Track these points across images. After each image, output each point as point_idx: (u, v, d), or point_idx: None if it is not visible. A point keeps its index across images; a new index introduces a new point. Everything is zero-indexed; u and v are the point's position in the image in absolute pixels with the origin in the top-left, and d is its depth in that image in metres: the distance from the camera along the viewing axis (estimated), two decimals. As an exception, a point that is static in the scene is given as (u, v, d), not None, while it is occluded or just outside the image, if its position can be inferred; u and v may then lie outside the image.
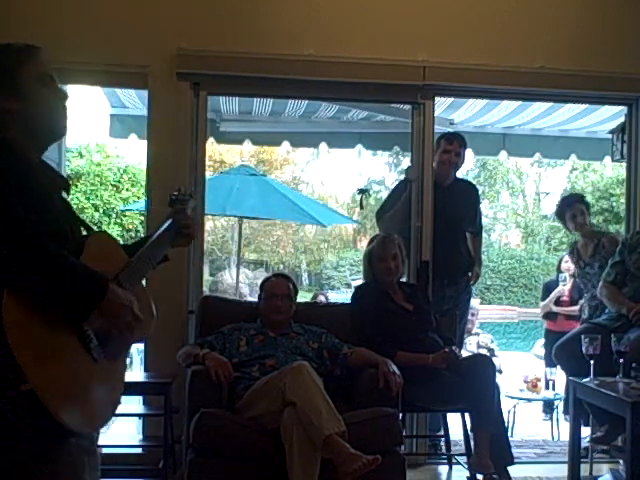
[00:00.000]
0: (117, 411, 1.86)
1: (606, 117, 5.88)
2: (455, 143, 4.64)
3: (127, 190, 15.66)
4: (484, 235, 5.23)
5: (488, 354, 5.97)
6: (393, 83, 4.44)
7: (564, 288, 6.30)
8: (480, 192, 5.51)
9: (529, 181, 21.50)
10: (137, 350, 5.49)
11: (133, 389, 3.83)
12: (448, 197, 4.63)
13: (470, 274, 4.83)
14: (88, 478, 1.75)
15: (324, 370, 3.63)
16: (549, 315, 6.40)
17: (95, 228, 2.04)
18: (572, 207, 5.02)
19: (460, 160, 4.73)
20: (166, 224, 2.16)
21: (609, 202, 17.84)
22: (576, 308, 6.18)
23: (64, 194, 1.94)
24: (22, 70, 1.82)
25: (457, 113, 6.09)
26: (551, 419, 5.68)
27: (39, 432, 1.59)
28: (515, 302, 18.35)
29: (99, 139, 15.74)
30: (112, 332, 1.74)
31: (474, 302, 7.54)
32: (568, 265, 6.41)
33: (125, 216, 15.53)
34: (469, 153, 5.64)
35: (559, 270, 6.52)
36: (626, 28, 4.63)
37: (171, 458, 3.95)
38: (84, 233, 1.92)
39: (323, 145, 6.96)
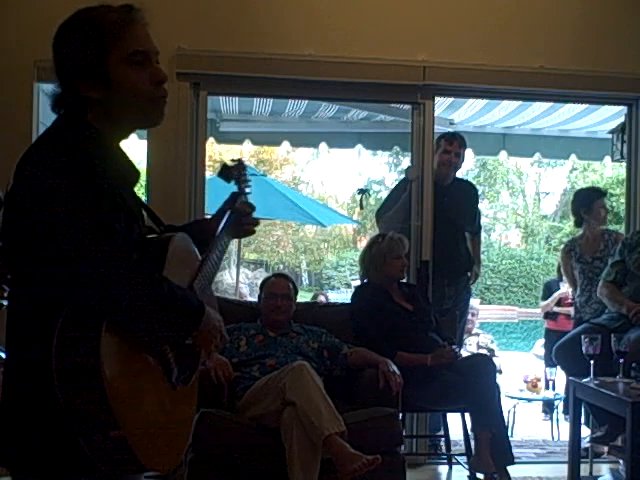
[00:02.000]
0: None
1: (606, 117, 5.88)
2: (455, 143, 4.64)
3: (127, 190, 15.67)
4: (484, 235, 5.24)
5: (488, 354, 5.97)
6: (393, 83, 4.45)
7: (569, 290, 6.28)
8: (480, 192, 5.52)
9: (529, 181, 21.48)
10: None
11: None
12: (448, 197, 4.63)
13: (470, 274, 4.83)
14: None
15: (324, 370, 3.63)
16: (550, 314, 6.40)
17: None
18: (600, 199, 4.96)
19: (460, 160, 4.73)
20: (225, 218, 1.95)
21: (609, 202, 17.81)
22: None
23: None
24: (111, 49, 1.57)
25: (457, 113, 6.09)
26: (551, 419, 5.69)
27: (114, 473, 1.46)
28: (515, 302, 18.35)
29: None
30: (195, 353, 1.64)
31: (474, 302, 7.56)
32: (568, 266, 6.40)
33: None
34: (469, 153, 5.64)
35: (559, 271, 6.49)
36: (626, 28, 4.63)
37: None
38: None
39: (323, 145, 6.96)
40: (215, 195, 7.29)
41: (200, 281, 1.72)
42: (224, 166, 2.09)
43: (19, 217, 1.45)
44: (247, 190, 2.10)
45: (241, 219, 1.98)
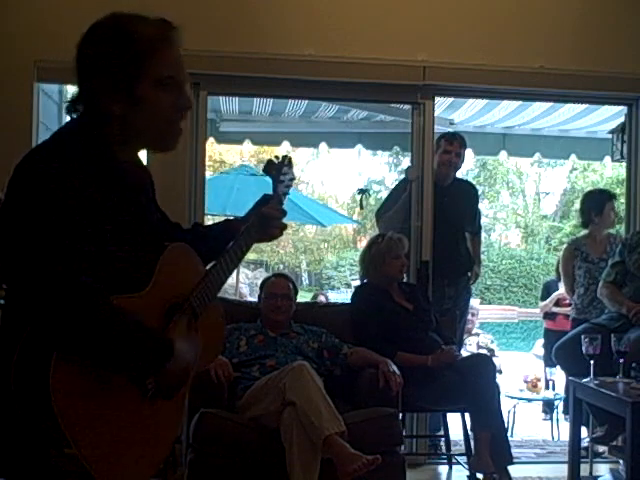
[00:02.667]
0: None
1: (606, 117, 5.88)
2: (455, 143, 4.64)
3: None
4: (484, 235, 5.25)
5: (488, 354, 5.97)
6: (393, 83, 4.45)
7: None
8: (480, 192, 5.52)
9: (529, 181, 21.48)
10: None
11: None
12: (448, 197, 4.63)
13: (470, 274, 4.84)
14: None
15: (324, 370, 3.63)
16: (549, 314, 6.41)
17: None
18: (612, 202, 4.96)
19: (460, 160, 4.73)
20: (250, 220, 1.91)
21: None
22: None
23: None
24: (144, 68, 1.51)
25: (457, 113, 6.09)
26: (551, 419, 5.68)
27: None
28: (515, 302, 18.35)
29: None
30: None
31: (474, 302, 7.56)
32: (567, 266, 6.40)
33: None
34: (469, 153, 5.64)
35: (558, 271, 6.49)
36: (626, 28, 4.63)
37: (171, 458, 3.94)
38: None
39: (323, 145, 6.96)
40: (215, 195, 7.32)
41: (201, 293, 1.69)
42: (268, 162, 2.02)
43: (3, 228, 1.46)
44: (284, 191, 2.02)
45: (269, 222, 1.91)
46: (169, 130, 1.60)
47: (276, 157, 2.03)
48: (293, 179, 2.05)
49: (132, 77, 1.51)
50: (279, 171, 1.99)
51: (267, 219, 1.90)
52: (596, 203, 4.97)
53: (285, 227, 1.96)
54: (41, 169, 1.44)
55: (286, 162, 2.02)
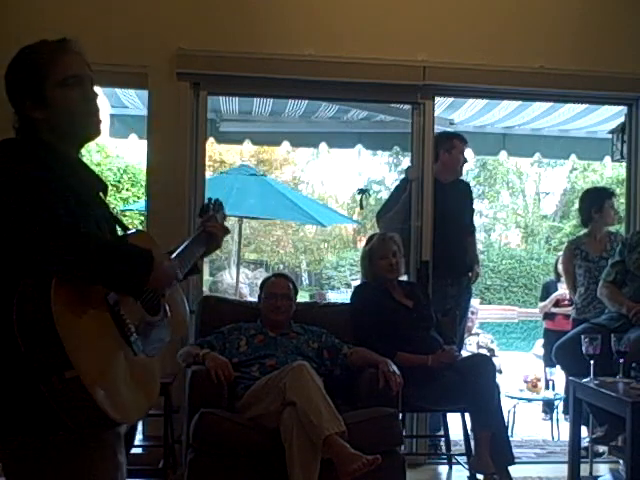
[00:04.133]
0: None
1: (606, 117, 5.88)
2: (466, 144, 4.72)
3: (127, 190, 15.66)
4: (484, 235, 5.25)
5: (488, 354, 5.97)
6: (393, 83, 4.45)
7: (565, 292, 6.29)
8: (480, 192, 5.53)
9: (529, 181, 21.48)
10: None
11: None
12: (450, 195, 4.65)
13: (470, 274, 4.84)
14: (122, 462, 1.80)
15: (324, 370, 3.63)
16: (548, 314, 6.41)
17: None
18: (612, 199, 4.96)
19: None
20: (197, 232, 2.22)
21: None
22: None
23: (102, 196, 1.96)
24: (47, 75, 1.81)
25: (457, 113, 6.09)
26: (551, 419, 5.68)
27: (80, 424, 1.60)
28: (515, 302, 18.35)
29: (99, 139, 15.72)
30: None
31: (474, 302, 7.56)
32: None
33: (125, 216, 15.50)
34: (469, 153, 5.64)
35: (557, 272, 6.50)
36: (626, 28, 4.63)
37: (171, 458, 3.95)
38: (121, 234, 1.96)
39: (323, 145, 6.95)
40: (215, 195, 7.30)
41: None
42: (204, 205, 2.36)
43: None
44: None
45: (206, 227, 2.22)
46: (88, 121, 1.87)
47: (209, 199, 2.39)
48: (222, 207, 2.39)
49: (38, 83, 1.81)
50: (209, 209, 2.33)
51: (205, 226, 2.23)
52: (595, 200, 4.97)
53: (227, 231, 2.33)
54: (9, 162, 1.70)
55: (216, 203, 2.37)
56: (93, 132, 1.90)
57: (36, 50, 1.85)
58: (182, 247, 2.07)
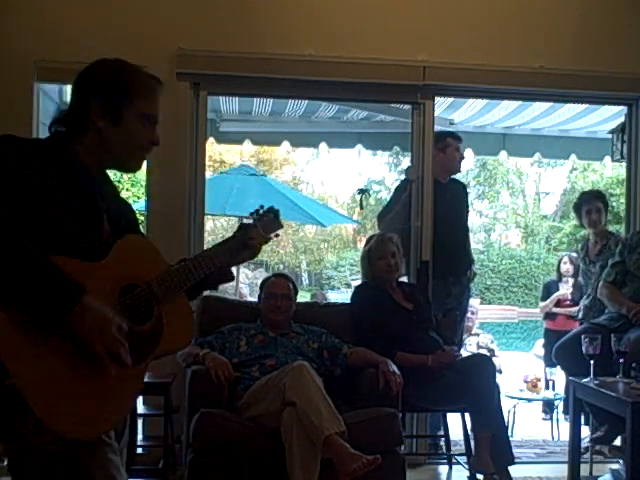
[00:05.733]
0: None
1: (606, 117, 5.88)
2: (461, 141, 4.72)
3: (127, 190, 15.67)
4: (484, 235, 5.25)
5: (488, 354, 5.97)
6: (393, 83, 4.45)
7: (566, 292, 6.30)
8: (480, 192, 5.54)
9: (529, 181, 21.47)
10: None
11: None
12: (449, 194, 4.66)
13: (469, 273, 4.84)
14: (117, 475, 1.74)
15: (324, 370, 3.63)
16: (549, 314, 6.41)
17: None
18: (589, 203, 5.02)
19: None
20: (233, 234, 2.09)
21: (610, 203, 17.80)
22: (577, 308, 6.20)
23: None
24: (134, 100, 1.83)
25: (457, 113, 6.09)
26: (551, 419, 5.68)
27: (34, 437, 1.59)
28: (515, 302, 18.33)
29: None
30: (149, 340, 1.77)
31: (474, 302, 7.56)
32: (567, 267, 6.42)
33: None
34: (469, 153, 5.64)
35: (559, 272, 6.52)
36: (626, 28, 4.63)
37: (171, 458, 3.95)
38: None
39: (323, 145, 6.96)
40: (215, 195, 7.33)
41: (164, 281, 1.82)
42: (255, 210, 2.17)
43: None
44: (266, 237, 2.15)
45: (246, 241, 2.07)
46: (138, 156, 1.90)
47: (261, 206, 2.19)
48: (280, 227, 2.18)
49: (122, 104, 1.82)
50: (262, 217, 2.14)
51: (246, 239, 2.07)
52: (578, 202, 5.16)
53: (267, 240, 2.14)
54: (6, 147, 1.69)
55: (272, 212, 2.17)
56: (134, 168, 1.96)
57: (136, 71, 1.88)
58: (199, 255, 1.96)
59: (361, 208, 9.24)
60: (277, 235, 2.18)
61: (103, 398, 1.68)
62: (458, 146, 4.71)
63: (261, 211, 2.15)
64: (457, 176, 4.94)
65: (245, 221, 2.12)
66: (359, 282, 4.46)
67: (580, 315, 5.15)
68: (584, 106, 5.60)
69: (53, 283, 1.57)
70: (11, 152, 1.67)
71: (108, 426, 1.73)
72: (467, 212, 4.98)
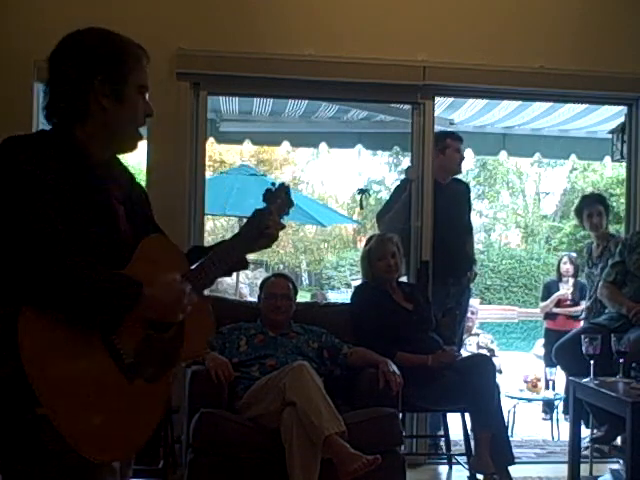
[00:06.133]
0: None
1: (606, 117, 5.88)
2: (461, 142, 4.72)
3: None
4: (484, 235, 5.25)
5: (488, 354, 5.97)
6: (393, 83, 4.45)
7: (567, 292, 6.31)
8: (480, 192, 5.54)
9: (529, 181, 21.48)
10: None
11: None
12: (450, 195, 4.65)
13: (469, 273, 4.84)
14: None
15: (324, 370, 3.62)
16: (549, 314, 6.42)
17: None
18: (590, 206, 5.04)
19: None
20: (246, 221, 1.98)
21: (610, 203, 17.79)
22: (577, 308, 6.22)
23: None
24: (130, 73, 1.72)
25: (457, 113, 6.09)
26: (551, 419, 5.68)
27: (69, 457, 1.51)
28: (515, 302, 18.34)
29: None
30: (172, 351, 1.68)
31: (474, 302, 7.55)
32: (567, 267, 6.44)
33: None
34: (469, 153, 5.64)
35: (559, 272, 6.53)
36: (626, 28, 4.63)
37: (171, 458, 3.94)
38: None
39: (323, 145, 6.96)
40: (215, 195, 7.32)
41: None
42: (267, 191, 2.05)
43: None
44: (280, 215, 2.05)
45: (262, 231, 1.95)
46: (136, 133, 1.79)
47: (272, 184, 2.08)
48: (291, 206, 2.08)
49: (122, 78, 1.71)
50: (275, 199, 2.03)
51: (261, 228, 1.95)
52: (579, 206, 5.21)
53: (282, 227, 2.00)
54: (20, 155, 1.58)
55: (283, 191, 2.06)
56: (134, 147, 1.81)
57: (126, 41, 1.74)
58: (218, 249, 1.89)
59: (361, 208, 9.23)
60: (287, 213, 2.07)
61: (131, 418, 1.62)
62: (458, 147, 4.70)
63: (273, 189, 2.03)
64: (458, 176, 4.94)
65: (257, 207, 2.03)
66: (359, 282, 4.46)
67: (583, 315, 5.17)
68: (584, 106, 5.60)
69: (111, 289, 1.55)
70: (32, 158, 1.57)
71: (136, 446, 1.67)
72: (469, 213, 4.97)
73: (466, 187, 5.11)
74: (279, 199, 2.02)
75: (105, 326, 1.56)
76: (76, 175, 1.63)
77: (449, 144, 4.65)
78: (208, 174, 7.20)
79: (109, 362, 1.56)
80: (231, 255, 1.88)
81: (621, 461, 4.12)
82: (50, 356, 1.48)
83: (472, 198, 5.22)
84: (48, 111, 1.73)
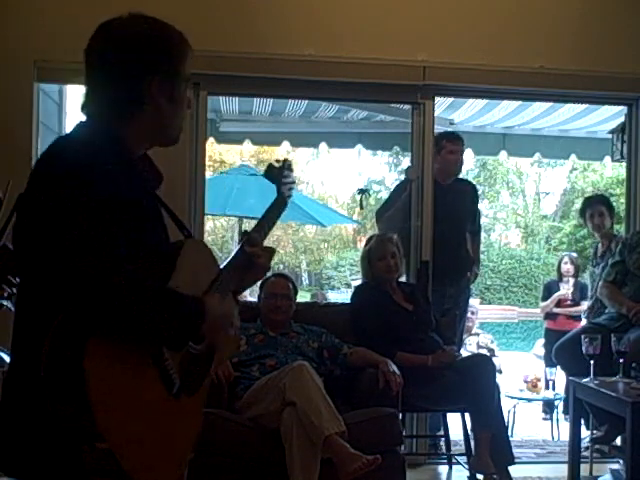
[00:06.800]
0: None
1: (606, 117, 5.88)
2: (458, 143, 4.67)
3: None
4: (484, 235, 5.25)
5: (488, 354, 5.97)
6: (393, 83, 4.45)
7: (567, 292, 6.31)
8: (480, 192, 5.54)
9: (529, 181, 21.48)
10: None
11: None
12: (450, 196, 4.64)
13: (469, 274, 4.84)
14: None
15: (324, 370, 3.62)
16: (549, 314, 6.42)
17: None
18: (592, 207, 5.06)
19: (462, 159, 4.77)
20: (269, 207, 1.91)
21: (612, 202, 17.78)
22: (577, 309, 6.23)
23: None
24: (180, 65, 1.66)
25: (457, 113, 6.09)
26: (551, 419, 5.68)
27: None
28: (515, 302, 18.34)
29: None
30: (203, 362, 1.62)
31: (474, 302, 7.55)
32: (568, 267, 6.44)
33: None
34: (469, 153, 5.64)
35: (559, 272, 6.54)
36: (626, 28, 4.63)
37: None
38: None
39: (323, 145, 6.97)
40: (215, 195, 7.32)
41: (221, 285, 1.66)
42: (269, 166, 2.01)
43: (31, 222, 1.44)
44: (288, 194, 2.02)
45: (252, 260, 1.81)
46: (180, 126, 1.70)
47: (277, 161, 2.03)
48: (294, 182, 2.05)
49: (177, 74, 1.64)
50: (281, 175, 1.99)
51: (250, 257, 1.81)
52: (582, 207, 5.26)
53: (270, 254, 1.88)
54: (76, 164, 1.45)
55: (286, 166, 2.02)
56: (177, 140, 1.72)
57: (177, 33, 1.66)
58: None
59: (361, 208, 9.24)
60: (293, 182, 2.01)
61: (179, 436, 1.61)
62: (452, 149, 4.64)
63: (277, 165, 1.96)
64: (462, 176, 4.94)
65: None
66: (359, 282, 4.47)
67: (586, 314, 5.18)
68: (584, 106, 5.61)
69: (180, 310, 1.46)
70: (99, 175, 1.45)
71: (185, 462, 1.67)
72: (474, 212, 4.96)
73: (472, 188, 5.11)
74: (284, 175, 1.97)
75: (175, 347, 1.50)
76: (128, 179, 1.55)
77: (444, 145, 4.64)
78: (208, 174, 7.20)
79: (160, 384, 1.50)
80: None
81: (621, 461, 4.12)
82: (114, 392, 1.40)
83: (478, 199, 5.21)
84: (91, 107, 1.60)
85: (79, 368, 1.34)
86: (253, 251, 1.78)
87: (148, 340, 1.44)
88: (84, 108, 1.62)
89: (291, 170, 2.04)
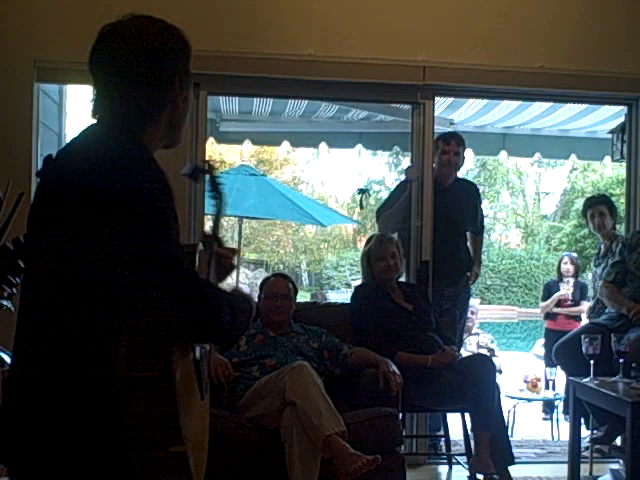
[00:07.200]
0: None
1: (606, 117, 5.88)
2: (452, 142, 4.64)
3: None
4: (484, 235, 5.24)
5: (488, 354, 5.97)
6: (393, 83, 4.45)
7: (567, 292, 6.31)
8: (480, 192, 5.52)
9: (529, 181, 21.50)
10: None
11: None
12: (449, 197, 4.63)
13: (469, 274, 4.83)
14: None
15: (324, 370, 3.63)
16: (550, 314, 6.42)
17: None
18: (593, 207, 5.04)
19: (460, 159, 4.73)
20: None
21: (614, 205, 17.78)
22: (578, 308, 6.23)
23: None
24: (187, 63, 1.66)
25: (457, 113, 6.09)
26: (551, 419, 5.69)
27: None
28: (515, 302, 18.35)
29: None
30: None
31: (474, 302, 7.55)
32: (568, 267, 6.44)
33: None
34: (469, 153, 5.63)
35: (559, 272, 6.54)
36: (626, 28, 4.63)
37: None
38: None
39: (323, 145, 6.96)
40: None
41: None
42: (195, 168, 1.96)
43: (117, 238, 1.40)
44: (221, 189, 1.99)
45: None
46: (184, 126, 1.69)
47: (206, 162, 2.03)
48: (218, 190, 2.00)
49: (189, 74, 1.65)
50: (210, 173, 1.95)
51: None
52: (583, 207, 5.22)
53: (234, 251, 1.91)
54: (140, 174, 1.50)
55: (210, 167, 1.96)
56: (180, 141, 1.71)
57: (182, 32, 1.66)
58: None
59: (361, 208, 9.24)
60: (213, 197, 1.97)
61: (206, 440, 1.65)
62: (445, 148, 4.60)
63: (201, 167, 1.92)
64: (460, 175, 4.93)
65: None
66: (359, 282, 4.46)
67: (587, 315, 5.20)
68: (584, 106, 5.60)
69: (245, 306, 1.55)
70: (157, 187, 1.50)
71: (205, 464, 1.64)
72: (476, 213, 4.95)
73: (475, 188, 5.10)
74: (203, 176, 1.93)
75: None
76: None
77: (438, 145, 4.64)
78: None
79: (197, 387, 1.55)
80: None
81: (621, 461, 4.12)
82: (184, 397, 1.41)
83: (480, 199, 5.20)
84: (107, 111, 1.56)
85: (168, 375, 1.34)
86: (221, 252, 1.78)
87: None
88: (95, 112, 1.58)
89: (214, 168, 1.99)
